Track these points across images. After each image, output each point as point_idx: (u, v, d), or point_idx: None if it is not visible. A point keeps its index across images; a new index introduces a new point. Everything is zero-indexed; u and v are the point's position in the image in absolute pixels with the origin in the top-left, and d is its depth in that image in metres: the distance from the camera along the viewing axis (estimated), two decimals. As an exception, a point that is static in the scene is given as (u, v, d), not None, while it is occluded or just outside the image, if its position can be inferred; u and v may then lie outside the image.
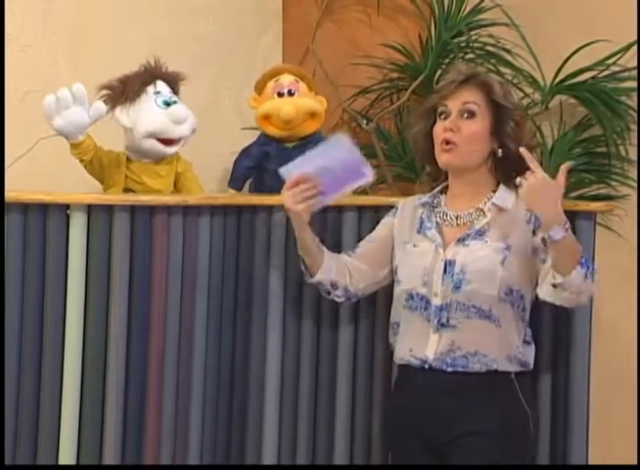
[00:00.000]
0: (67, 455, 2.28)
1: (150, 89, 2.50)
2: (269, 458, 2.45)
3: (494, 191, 2.29)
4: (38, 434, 2.28)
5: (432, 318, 2.24)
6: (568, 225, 2.09)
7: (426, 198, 2.37)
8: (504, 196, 2.27)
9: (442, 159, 2.27)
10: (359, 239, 2.48)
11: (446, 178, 2.35)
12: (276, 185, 2.60)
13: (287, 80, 2.66)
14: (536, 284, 2.23)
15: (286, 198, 2.26)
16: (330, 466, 2.51)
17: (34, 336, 2.27)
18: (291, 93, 2.64)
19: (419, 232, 2.33)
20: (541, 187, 2.08)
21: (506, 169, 2.26)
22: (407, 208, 2.39)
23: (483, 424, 2.20)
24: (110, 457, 2.30)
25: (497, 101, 2.25)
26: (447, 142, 2.24)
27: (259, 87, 2.70)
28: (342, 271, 2.36)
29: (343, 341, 2.50)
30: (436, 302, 2.24)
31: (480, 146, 2.25)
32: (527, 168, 2.11)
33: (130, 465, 2.33)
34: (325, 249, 2.38)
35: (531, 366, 2.29)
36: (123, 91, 2.48)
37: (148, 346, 2.33)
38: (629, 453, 2.88)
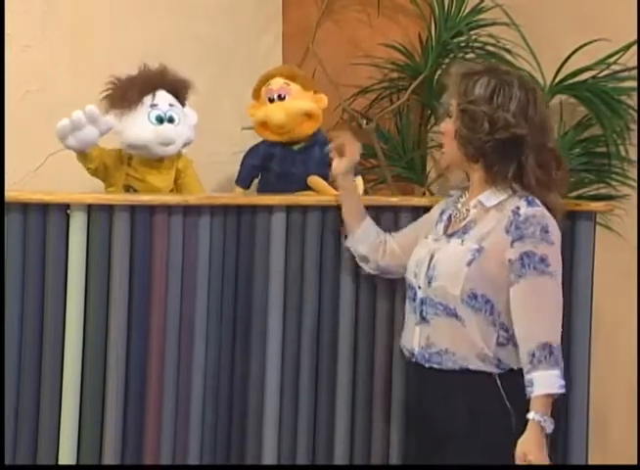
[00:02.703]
0: (67, 455, 2.28)
1: (147, 100, 2.46)
2: (269, 458, 2.45)
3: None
4: (38, 434, 2.28)
5: (416, 310, 2.27)
6: (547, 421, 2.13)
7: (456, 192, 2.39)
8: (494, 194, 2.25)
9: None
10: (359, 239, 2.48)
11: None
12: (281, 186, 2.60)
13: (276, 85, 2.63)
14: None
15: None
16: (330, 466, 2.51)
17: (34, 336, 2.27)
18: (281, 97, 2.62)
19: (436, 225, 2.34)
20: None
21: (488, 167, 2.23)
22: (443, 201, 2.41)
23: (459, 423, 2.20)
24: (110, 457, 2.30)
25: (457, 101, 2.23)
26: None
27: (256, 94, 2.69)
28: (375, 247, 2.42)
29: (344, 340, 2.50)
30: (420, 294, 2.27)
31: (451, 144, 2.26)
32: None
33: (130, 465, 2.33)
34: (367, 220, 2.43)
35: (516, 366, 2.21)
36: (123, 97, 2.44)
37: (148, 345, 2.33)
38: (629, 453, 2.88)
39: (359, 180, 2.64)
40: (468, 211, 2.28)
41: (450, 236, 2.27)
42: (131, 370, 2.32)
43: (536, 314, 2.16)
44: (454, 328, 2.21)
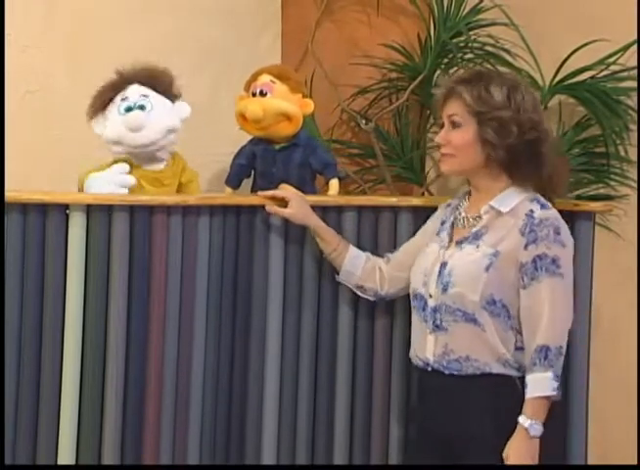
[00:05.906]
0: (66, 455, 2.28)
1: (118, 96, 2.44)
2: (268, 458, 2.45)
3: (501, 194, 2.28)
4: (37, 434, 2.28)
5: (428, 319, 2.26)
6: (533, 425, 2.13)
7: (454, 200, 2.38)
8: (505, 199, 2.25)
9: (440, 167, 2.34)
10: (359, 239, 2.48)
11: None
12: (262, 185, 2.60)
13: (261, 81, 2.62)
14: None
15: None
16: (330, 466, 2.51)
17: (34, 336, 2.27)
18: (262, 93, 2.61)
19: (437, 234, 2.34)
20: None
21: (514, 169, 2.25)
22: (441, 209, 2.41)
23: (482, 425, 2.19)
24: (109, 457, 2.30)
25: (474, 108, 2.22)
26: (443, 154, 2.29)
27: (246, 87, 2.69)
28: (368, 273, 2.42)
29: (343, 340, 2.50)
30: (431, 303, 2.25)
31: (470, 153, 2.24)
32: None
33: (130, 465, 2.33)
34: (351, 250, 2.42)
35: None
36: (97, 100, 2.43)
37: (147, 345, 2.33)
38: (629, 453, 2.88)
39: (333, 183, 2.61)
40: (477, 217, 2.27)
41: (460, 243, 2.26)
42: (130, 371, 2.32)
43: (543, 317, 2.17)
44: (474, 334, 2.21)
